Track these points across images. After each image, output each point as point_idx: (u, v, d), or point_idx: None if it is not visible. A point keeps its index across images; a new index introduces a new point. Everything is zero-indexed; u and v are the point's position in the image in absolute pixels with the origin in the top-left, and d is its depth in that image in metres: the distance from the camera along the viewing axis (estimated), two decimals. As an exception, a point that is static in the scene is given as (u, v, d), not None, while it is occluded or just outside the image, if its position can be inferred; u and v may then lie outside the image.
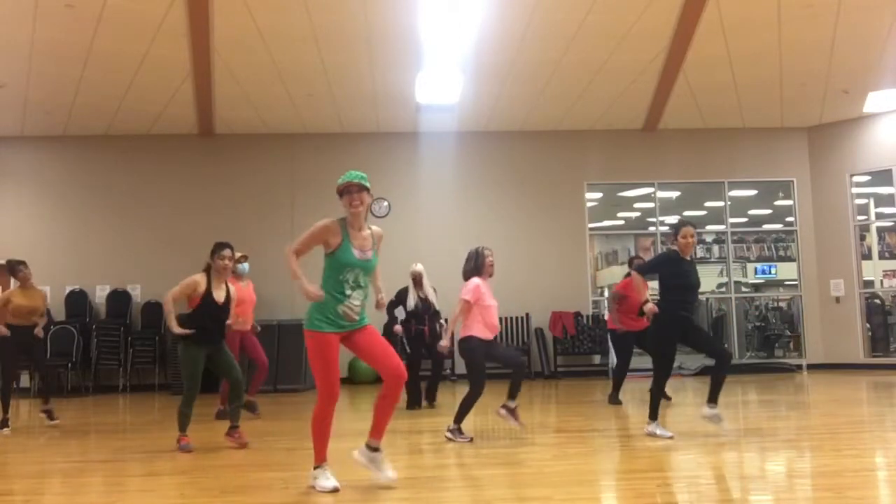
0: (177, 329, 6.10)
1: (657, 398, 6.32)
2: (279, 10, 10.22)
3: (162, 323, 13.08)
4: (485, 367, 6.31)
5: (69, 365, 12.22)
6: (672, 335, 6.29)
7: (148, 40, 10.59)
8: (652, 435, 6.18)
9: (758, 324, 15.92)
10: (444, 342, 6.71)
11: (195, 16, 10.15)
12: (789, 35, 11.08)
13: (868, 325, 13.98)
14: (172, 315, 6.18)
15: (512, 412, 6.48)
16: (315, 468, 4.50)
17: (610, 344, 13.19)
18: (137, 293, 13.30)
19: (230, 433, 6.27)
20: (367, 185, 4.51)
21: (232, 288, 6.47)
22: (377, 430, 4.57)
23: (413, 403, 8.89)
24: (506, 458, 5.65)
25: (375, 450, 4.56)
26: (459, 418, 6.35)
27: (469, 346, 6.30)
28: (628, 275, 9.07)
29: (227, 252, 6.26)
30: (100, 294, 13.23)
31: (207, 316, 6.17)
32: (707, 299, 15.25)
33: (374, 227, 4.67)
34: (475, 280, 6.38)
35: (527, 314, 13.54)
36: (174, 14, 10.08)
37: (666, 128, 13.97)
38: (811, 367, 13.86)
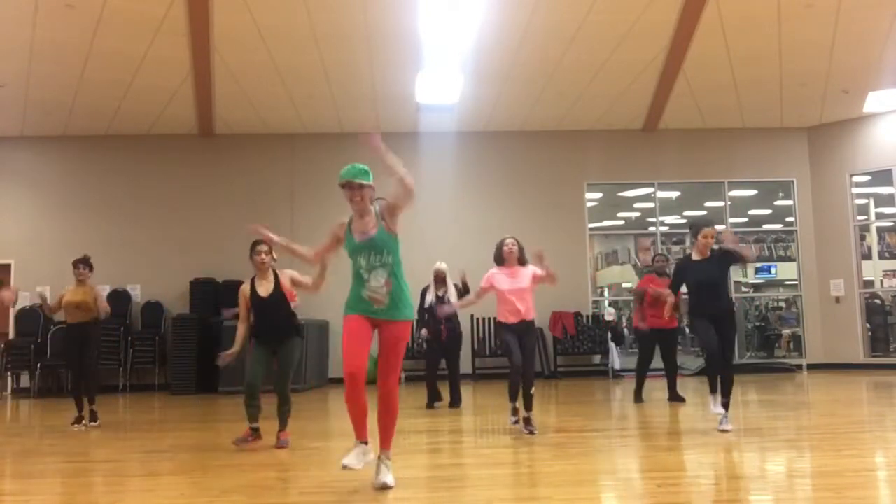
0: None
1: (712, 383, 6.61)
2: (279, 9, 10.22)
3: (161, 323, 13.11)
4: (511, 347, 6.56)
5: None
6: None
7: (148, 40, 10.59)
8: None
9: (758, 324, 15.94)
10: (446, 308, 7.70)
11: (195, 15, 10.15)
12: (789, 35, 11.08)
13: (868, 325, 13.98)
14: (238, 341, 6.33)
15: (514, 413, 6.76)
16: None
17: (610, 343, 13.31)
18: (137, 293, 13.29)
19: (277, 435, 6.36)
20: (367, 180, 4.69)
21: (286, 275, 6.35)
22: (380, 440, 4.57)
23: (431, 401, 8.97)
24: (506, 458, 5.65)
25: (378, 457, 4.53)
26: (512, 399, 6.73)
27: (498, 329, 6.93)
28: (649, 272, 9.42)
29: (260, 247, 6.28)
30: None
31: (257, 314, 6.27)
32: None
33: (381, 202, 4.74)
34: (492, 269, 6.73)
35: (527, 314, 13.53)
36: (174, 14, 10.08)
37: (666, 128, 13.96)
38: (811, 367, 13.85)
